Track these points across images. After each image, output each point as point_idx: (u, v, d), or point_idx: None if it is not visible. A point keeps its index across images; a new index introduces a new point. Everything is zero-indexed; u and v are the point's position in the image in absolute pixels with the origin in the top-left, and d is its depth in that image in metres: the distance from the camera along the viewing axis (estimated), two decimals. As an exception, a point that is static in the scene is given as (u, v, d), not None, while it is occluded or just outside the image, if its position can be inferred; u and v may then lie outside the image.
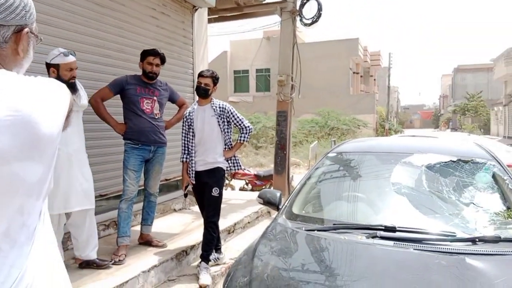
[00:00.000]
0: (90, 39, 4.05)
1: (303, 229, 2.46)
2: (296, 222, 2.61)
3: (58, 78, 3.04)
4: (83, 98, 3.25)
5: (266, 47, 26.10)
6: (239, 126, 3.80)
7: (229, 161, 3.83)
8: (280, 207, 2.91)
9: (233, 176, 8.60)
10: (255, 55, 23.62)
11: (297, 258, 2.22)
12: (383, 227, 2.30)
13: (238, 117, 3.79)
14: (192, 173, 3.74)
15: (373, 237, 2.24)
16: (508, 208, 2.47)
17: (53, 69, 3.08)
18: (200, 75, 3.73)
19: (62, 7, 3.73)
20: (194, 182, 3.77)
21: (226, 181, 8.82)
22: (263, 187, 8.44)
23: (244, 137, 3.83)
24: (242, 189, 8.69)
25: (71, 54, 3.10)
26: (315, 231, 2.42)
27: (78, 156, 3.21)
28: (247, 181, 8.69)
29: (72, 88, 3.08)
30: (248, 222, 5.37)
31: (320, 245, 2.32)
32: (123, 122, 3.78)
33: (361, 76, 33.99)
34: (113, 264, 3.45)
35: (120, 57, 4.39)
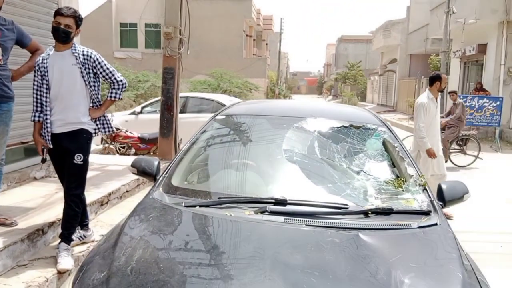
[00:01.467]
0: None
1: (183, 204, 2.06)
2: (175, 196, 2.20)
3: None
4: None
5: (157, 1, 24.27)
6: (109, 80, 3.15)
7: (98, 122, 3.18)
8: (158, 177, 2.45)
9: (114, 139, 7.77)
10: (143, 8, 21.77)
11: (172, 244, 1.82)
12: (273, 200, 2.02)
13: (107, 68, 3.12)
14: (48, 136, 3.02)
15: (262, 212, 1.94)
16: (397, 177, 2.37)
17: None
18: (59, 13, 2.94)
19: None
20: (51, 146, 3.06)
21: (106, 145, 7.95)
22: (149, 151, 7.80)
23: (116, 93, 3.19)
24: (123, 153, 7.92)
25: None
26: (197, 207, 2.04)
27: None
28: (130, 144, 7.92)
29: None
30: (127, 191, 4.78)
31: (202, 225, 1.95)
32: None
33: (254, 40, 34.07)
34: None
35: None
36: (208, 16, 25.33)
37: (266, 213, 1.94)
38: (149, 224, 1.94)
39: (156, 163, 2.55)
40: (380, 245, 1.77)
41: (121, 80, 3.19)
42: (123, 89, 3.22)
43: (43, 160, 3.24)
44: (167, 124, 6.31)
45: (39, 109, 3.05)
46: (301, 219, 1.90)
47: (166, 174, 2.44)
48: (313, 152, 2.46)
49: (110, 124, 3.29)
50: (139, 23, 26.68)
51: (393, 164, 2.50)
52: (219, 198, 2.14)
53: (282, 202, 2.00)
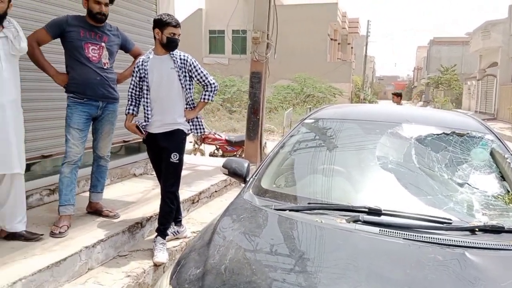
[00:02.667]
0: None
1: (272, 207, 2.06)
2: (265, 198, 2.21)
3: None
4: (23, 40, 2.70)
5: (243, 7, 24.95)
6: (203, 83, 3.29)
7: (191, 123, 3.34)
8: (248, 179, 2.49)
9: (203, 140, 8.13)
10: (231, 15, 22.57)
11: (263, 247, 1.82)
12: (366, 209, 1.93)
13: (202, 71, 3.27)
14: (142, 127, 3.23)
15: (355, 221, 1.86)
16: (508, 192, 2.13)
17: None
18: (171, 24, 3.10)
19: None
20: (144, 135, 3.27)
21: (196, 146, 8.35)
22: (235, 153, 8.03)
23: (209, 95, 3.32)
24: (212, 154, 8.25)
25: None
26: (287, 211, 2.02)
27: (13, 109, 2.70)
28: (217, 146, 8.24)
29: None
30: (215, 191, 4.95)
31: (291, 229, 1.93)
32: (66, 72, 3.20)
33: (338, 44, 33.43)
34: (53, 236, 2.99)
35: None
36: (292, 21, 25.38)
37: (359, 222, 1.86)
38: (241, 225, 1.97)
39: (246, 164, 2.59)
40: (489, 266, 1.60)
41: (213, 83, 3.32)
42: (215, 92, 3.35)
43: (144, 141, 3.42)
44: (253, 127, 6.43)
45: (133, 103, 3.29)
46: (398, 231, 1.78)
47: (255, 176, 2.47)
48: (409, 160, 2.32)
49: (202, 125, 3.44)
50: (226, 30, 27.63)
51: (502, 177, 2.25)
52: (308, 203, 2.10)
53: (376, 212, 1.91)
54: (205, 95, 3.32)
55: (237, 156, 8.08)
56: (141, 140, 3.45)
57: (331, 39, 30.26)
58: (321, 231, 1.87)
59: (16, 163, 2.72)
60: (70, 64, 3.16)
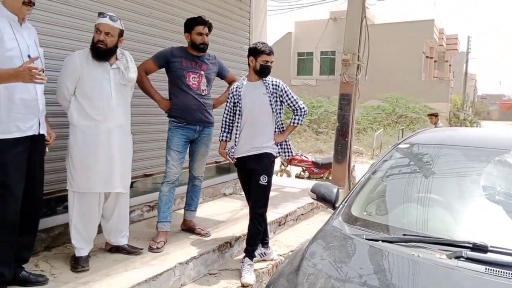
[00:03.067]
0: (137, 7, 3.78)
1: (364, 237, 1.98)
2: (355, 227, 2.13)
3: (92, 39, 2.84)
4: (132, 71, 2.96)
5: (332, 29, 24.96)
6: (293, 107, 3.34)
7: (280, 146, 3.39)
8: (337, 205, 2.44)
9: (290, 162, 8.17)
10: (320, 36, 22.66)
11: (354, 278, 1.75)
12: (470, 245, 1.75)
13: (292, 96, 3.33)
14: (231, 153, 3.40)
15: (456, 257, 1.71)
16: None
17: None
18: (265, 52, 3.23)
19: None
20: (234, 160, 3.44)
21: (282, 167, 8.42)
22: (321, 176, 7.93)
23: (298, 119, 3.37)
24: (298, 176, 8.25)
25: (110, 17, 2.82)
26: (379, 242, 1.93)
27: (120, 134, 2.96)
28: (304, 168, 8.21)
29: (98, 54, 2.81)
30: (302, 214, 4.92)
31: (385, 262, 1.83)
32: (168, 98, 3.48)
33: (435, 61, 31.57)
34: (151, 251, 3.21)
35: (169, 28, 4.08)
36: (384, 39, 24.63)
37: (462, 259, 1.69)
38: (330, 253, 1.92)
39: (335, 190, 2.53)
40: None
41: (303, 108, 3.36)
42: (304, 116, 3.38)
43: (236, 164, 3.56)
44: (342, 149, 6.30)
45: (227, 130, 3.45)
46: (507, 271, 1.59)
47: (345, 202, 2.41)
48: (521, 192, 2.08)
49: (290, 148, 3.47)
50: (315, 52, 27.82)
51: None
52: (404, 234, 1.98)
53: (482, 248, 1.73)
54: (294, 119, 3.36)
55: (324, 178, 7.96)
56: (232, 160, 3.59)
57: (427, 57, 28.71)
58: (418, 266, 1.75)
59: (118, 183, 2.94)
60: (172, 91, 3.44)
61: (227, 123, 3.44)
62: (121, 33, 2.88)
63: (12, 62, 2.30)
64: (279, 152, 3.42)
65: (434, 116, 8.62)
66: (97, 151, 2.82)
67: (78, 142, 2.80)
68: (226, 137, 3.47)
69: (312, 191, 2.60)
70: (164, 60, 3.37)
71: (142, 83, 3.36)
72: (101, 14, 2.82)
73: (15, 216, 2.39)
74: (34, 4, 2.42)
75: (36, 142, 2.51)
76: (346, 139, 6.23)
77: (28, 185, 2.46)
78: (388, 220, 2.27)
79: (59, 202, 3.32)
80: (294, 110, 3.36)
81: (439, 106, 23.75)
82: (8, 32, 2.33)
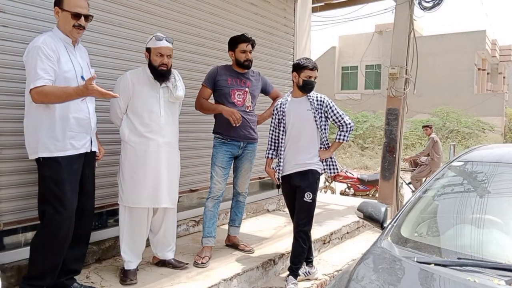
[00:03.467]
0: (185, 27, 3.92)
1: (415, 259, 1.89)
2: (405, 248, 2.04)
3: (149, 63, 2.90)
4: (180, 89, 3.03)
5: (377, 42, 24.54)
6: (338, 123, 3.29)
7: (325, 163, 3.34)
8: (385, 225, 2.35)
9: (334, 178, 8.02)
10: (365, 50, 22.34)
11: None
12: (532, 271, 1.63)
13: (338, 112, 3.28)
14: (279, 174, 3.35)
15: (517, 284, 1.58)
16: None
17: (146, 53, 2.96)
18: (308, 67, 3.23)
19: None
20: (279, 182, 3.39)
21: (326, 183, 8.28)
22: (367, 193, 7.71)
23: (344, 135, 3.30)
24: (343, 193, 8.06)
25: (166, 39, 2.92)
26: (431, 265, 1.83)
27: (169, 150, 3.03)
28: (349, 185, 8.02)
29: (162, 76, 2.91)
30: (347, 233, 4.79)
31: (438, 286, 1.73)
32: (213, 115, 3.56)
33: (487, 73, 30.07)
34: (196, 266, 3.25)
35: (215, 46, 4.18)
36: (433, 52, 23.89)
37: (524, 286, 1.57)
38: (379, 276, 1.85)
39: (383, 209, 2.44)
40: None
41: (349, 123, 3.30)
42: (351, 131, 3.32)
43: (278, 186, 3.57)
44: (389, 166, 6.10)
45: (273, 147, 3.44)
46: None
47: (394, 222, 2.31)
48: None
49: (336, 165, 3.41)
50: (359, 66, 27.44)
51: None
52: (458, 258, 1.87)
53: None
54: (340, 135, 3.31)
55: (370, 196, 7.73)
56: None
57: (479, 69, 27.44)
58: (475, 293, 1.64)
59: (165, 198, 2.99)
60: (217, 108, 3.51)
61: (273, 140, 3.44)
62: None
63: (68, 83, 2.42)
64: (324, 169, 3.37)
65: (428, 127, 8.44)
66: (146, 167, 2.90)
67: (128, 158, 2.91)
68: (272, 154, 3.46)
69: (359, 209, 2.53)
70: (213, 81, 3.45)
71: (204, 109, 3.48)
72: (158, 37, 2.91)
73: (67, 231, 2.48)
74: (84, 28, 2.51)
75: (88, 159, 2.61)
76: (394, 155, 6.04)
77: (80, 199, 2.56)
78: (441, 242, 2.16)
79: (110, 216, 3.45)
80: (339, 126, 3.31)
81: (493, 120, 22.53)
82: (64, 55, 2.44)
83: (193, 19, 3.98)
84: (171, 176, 3.05)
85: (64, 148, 2.44)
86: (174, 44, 3.09)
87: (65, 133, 2.44)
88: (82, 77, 2.50)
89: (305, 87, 3.26)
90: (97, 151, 2.72)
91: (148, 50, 2.93)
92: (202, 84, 3.51)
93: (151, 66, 2.92)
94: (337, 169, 3.45)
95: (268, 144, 3.47)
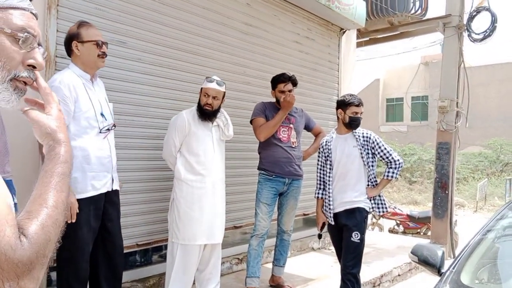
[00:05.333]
0: (234, 67, 4.02)
1: (479, 312, 1.72)
2: (467, 298, 1.87)
3: (198, 102, 3.03)
4: (230, 128, 3.12)
5: (423, 73, 24.04)
6: (386, 160, 3.17)
7: (373, 201, 3.20)
8: (443, 271, 2.18)
9: (382, 215, 7.71)
10: (411, 81, 21.92)
11: None
12: None
13: (385, 148, 3.17)
14: (330, 213, 3.23)
15: None
16: None
17: (200, 93, 3.06)
18: (354, 104, 3.17)
19: (212, 37, 3.78)
20: (332, 223, 3.26)
21: (374, 220, 7.96)
22: (418, 230, 7.32)
23: (393, 172, 3.16)
24: (391, 230, 7.70)
25: (216, 82, 3.02)
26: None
27: (222, 186, 3.08)
28: (398, 222, 7.67)
29: (205, 115, 2.98)
30: (399, 275, 4.52)
31: None
32: (258, 151, 3.56)
33: (546, 103, 28.36)
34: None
35: (261, 84, 4.23)
36: (483, 83, 22.96)
37: None
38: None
39: (440, 253, 2.28)
40: None
41: (398, 160, 3.17)
42: (400, 169, 3.18)
43: (319, 236, 3.48)
44: (441, 203, 5.78)
45: (321, 186, 3.34)
46: None
47: (453, 268, 2.14)
48: None
49: (385, 203, 3.26)
50: (405, 97, 26.83)
51: None
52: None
53: None
54: (388, 172, 3.18)
55: (421, 234, 7.33)
56: None
57: (535, 98, 25.97)
58: None
59: (219, 234, 3.01)
60: (262, 145, 3.51)
61: (321, 179, 3.35)
62: (224, 95, 3.06)
63: (88, 122, 2.34)
64: (372, 207, 3.23)
65: None
66: (202, 204, 2.92)
67: (184, 196, 2.91)
68: (322, 194, 3.32)
69: (413, 253, 2.38)
70: (263, 113, 3.48)
71: (274, 126, 3.40)
72: (209, 79, 3.02)
73: (86, 273, 2.38)
74: (106, 55, 2.48)
75: (110, 197, 2.50)
76: (446, 192, 5.74)
77: (107, 239, 2.47)
78: (506, 291, 1.97)
79: (155, 252, 3.47)
80: (387, 162, 3.19)
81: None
82: (82, 93, 2.32)
83: (240, 59, 4.08)
84: (223, 211, 3.08)
85: (85, 189, 2.31)
86: (227, 84, 3.18)
87: (86, 173, 2.31)
88: (102, 114, 2.40)
89: (352, 124, 3.19)
90: (118, 188, 2.61)
91: (200, 90, 3.04)
92: (253, 118, 3.51)
93: (198, 105, 3.01)
94: (386, 208, 3.29)
95: (317, 183, 3.38)
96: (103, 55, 2.41)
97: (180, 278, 2.92)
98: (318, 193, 3.35)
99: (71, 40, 2.36)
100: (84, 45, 2.35)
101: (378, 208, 3.24)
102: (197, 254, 2.95)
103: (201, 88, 3.02)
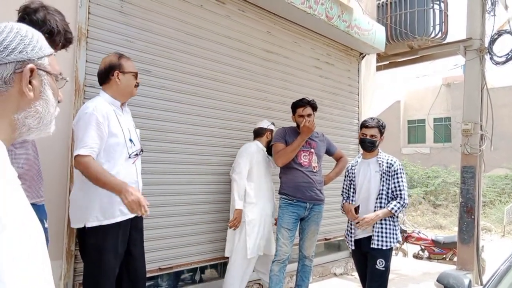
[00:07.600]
0: (255, 93, 4.09)
1: None
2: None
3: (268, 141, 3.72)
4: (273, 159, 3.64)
5: (445, 95, 23.72)
6: (395, 192, 3.10)
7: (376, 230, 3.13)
8: (471, 301, 2.12)
9: (406, 239, 7.54)
10: (432, 103, 21.63)
11: None
12: None
13: (402, 183, 3.11)
14: (351, 238, 3.19)
15: None
16: None
17: (268, 133, 3.72)
18: (364, 125, 3.24)
19: (232, 64, 3.87)
20: (353, 247, 3.22)
21: (397, 245, 7.78)
22: (443, 256, 7.10)
23: (397, 207, 3.07)
24: (416, 256, 7.49)
25: (272, 123, 3.82)
26: None
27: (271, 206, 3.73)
28: (422, 247, 7.46)
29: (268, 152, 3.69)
30: (424, 302, 4.39)
31: None
32: (279, 176, 3.58)
33: None
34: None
35: (282, 109, 4.29)
36: (507, 103, 22.49)
37: None
38: None
39: (466, 282, 2.23)
40: None
41: (405, 199, 3.08)
42: (403, 209, 3.11)
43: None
44: (467, 228, 5.62)
45: (346, 198, 3.32)
46: None
47: (482, 298, 2.09)
48: None
49: (397, 235, 3.17)
50: (427, 119, 26.42)
51: None
52: None
53: None
54: (395, 205, 3.06)
55: (447, 259, 7.11)
56: (341, 237, 3.47)
57: (563, 119, 25.21)
58: None
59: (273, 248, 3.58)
60: (283, 170, 3.53)
61: (345, 196, 3.35)
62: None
63: (118, 146, 2.36)
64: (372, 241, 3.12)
65: None
66: (266, 221, 3.57)
67: (255, 215, 3.48)
68: (347, 199, 3.29)
69: (439, 281, 2.33)
70: (284, 139, 3.52)
71: (292, 151, 3.41)
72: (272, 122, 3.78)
73: None
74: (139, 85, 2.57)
75: (135, 222, 2.49)
76: (473, 217, 5.58)
77: (131, 263, 2.46)
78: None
79: (177, 277, 3.49)
80: (395, 196, 3.11)
81: None
82: (113, 119, 2.36)
83: (261, 85, 4.16)
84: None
85: (113, 215, 2.32)
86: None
87: (114, 199, 2.26)
88: (130, 140, 2.43)
89: (362, 145, 3.23)
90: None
91: (271, 131, 3.75)
92: (273, 143, 3.56)
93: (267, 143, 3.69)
94: (399, 241, 3.30)
95: (343, 197, 3.38)
96: (137, 85, 2.52)
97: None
98: (343, 201, 3.33)
99: (112, 70, 2.43)
100: (125, 75, 2.44)
101: (384, 239, 3.11)
102: (252, 266, 3.56)
103: (270, 130, 3.73)
